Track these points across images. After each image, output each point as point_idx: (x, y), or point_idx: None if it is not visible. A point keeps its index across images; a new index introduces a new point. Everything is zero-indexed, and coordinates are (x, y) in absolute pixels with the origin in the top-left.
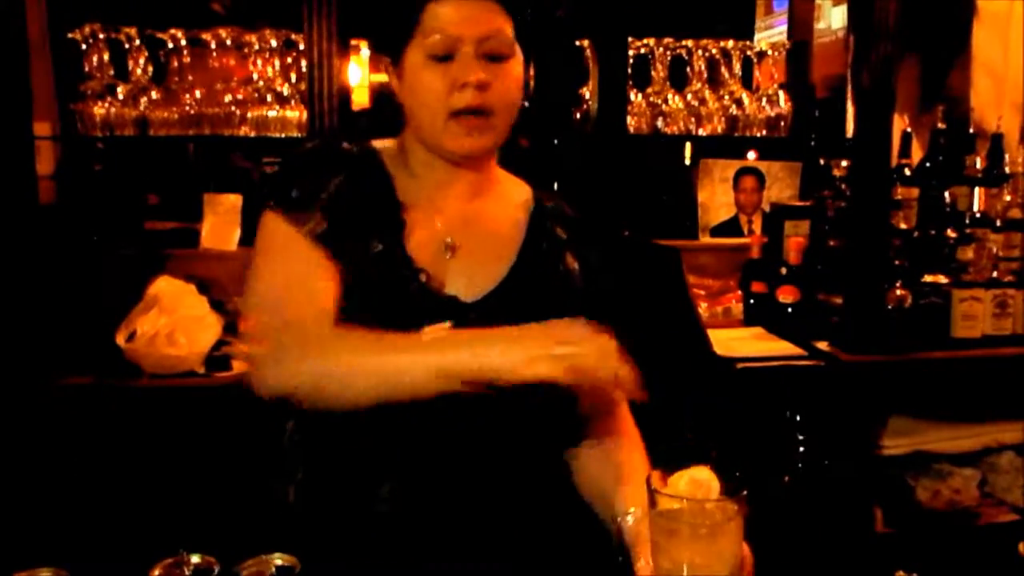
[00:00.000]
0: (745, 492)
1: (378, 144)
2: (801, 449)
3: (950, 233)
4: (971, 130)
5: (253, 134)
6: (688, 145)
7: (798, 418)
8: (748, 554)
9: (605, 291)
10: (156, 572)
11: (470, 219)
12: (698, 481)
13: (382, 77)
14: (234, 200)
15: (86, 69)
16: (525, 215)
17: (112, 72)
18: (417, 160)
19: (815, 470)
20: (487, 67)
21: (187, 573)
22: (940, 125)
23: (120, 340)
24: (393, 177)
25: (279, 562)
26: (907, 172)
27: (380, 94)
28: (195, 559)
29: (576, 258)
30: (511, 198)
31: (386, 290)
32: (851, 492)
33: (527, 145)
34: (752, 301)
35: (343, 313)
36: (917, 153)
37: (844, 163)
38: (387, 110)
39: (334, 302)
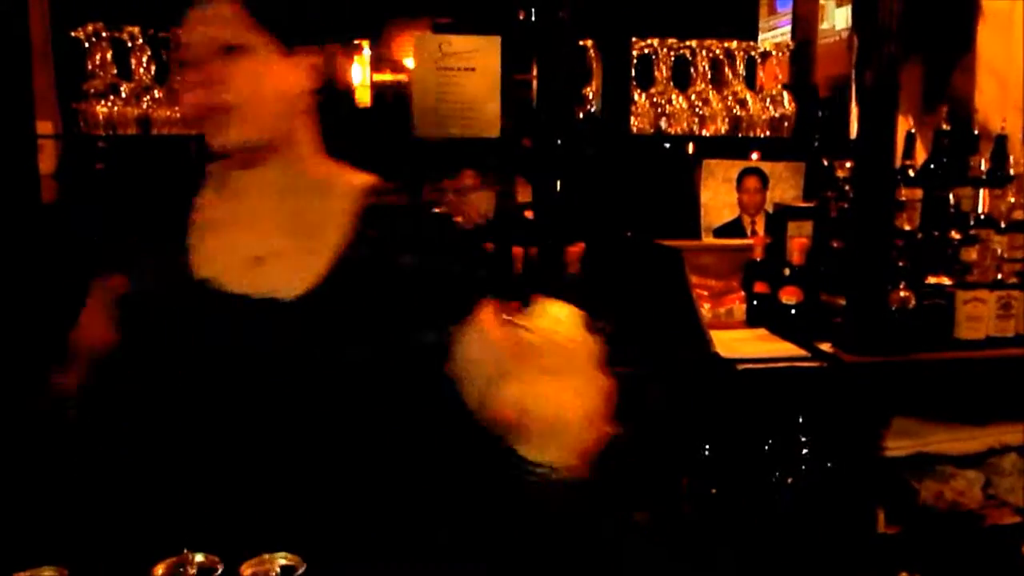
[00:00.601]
0: (603, 326)
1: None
2: (804, 451)
3: (954, 234)
4: (975, 131)
5: None
6: (690, 145)
7: (801, 419)
8: (607, 388)
9: (441, 282)
10: (159, 571)
11: (283, 219)
12: (552, 315)
13: (385, 76)
14: None
15: (89, 68)
16: (352, 207)
17: (115, 71)
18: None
19: (818, 471)
20: (220, 63)
21: (191, 572)
22: (944, 126)
23: None
24: (203, 194)
25: (283, 562)
26: (911, 173)
27: (382, 93)
28: (198, 558)
29: (410, 250)
30: (336, 191)
31: (178, 304)
32: (854, 493)
33: (529, 145)
34: (755, 302)
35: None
36: (921, 154)
37: (848, 164)
38: (390, 109)
39: None
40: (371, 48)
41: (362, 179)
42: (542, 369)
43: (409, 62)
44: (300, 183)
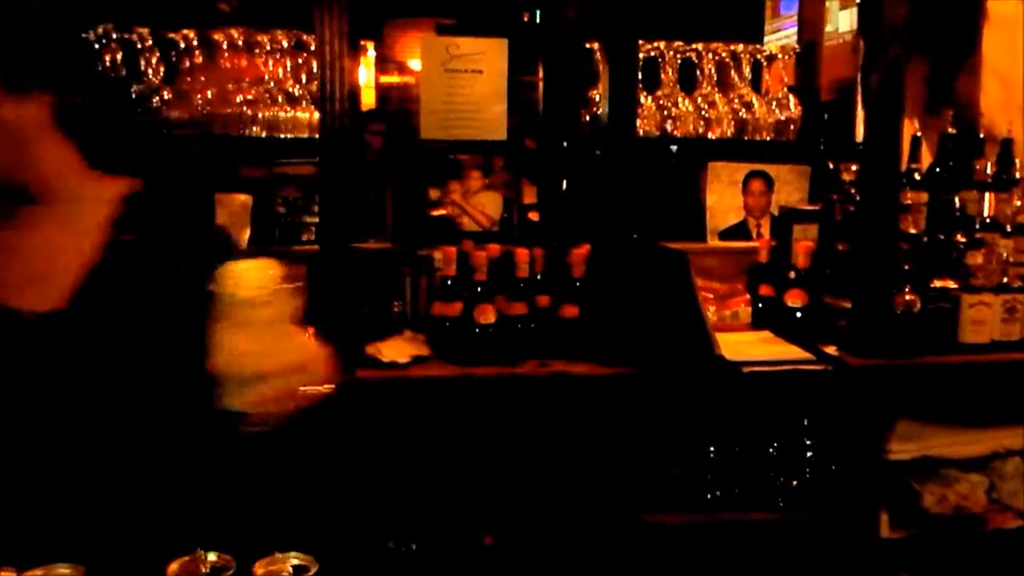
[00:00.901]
0: (300, 285)
1: None
2: (808, 453)
3: (959, 238)
4: (981, 135)
5: (264, 134)
6: (696, 148)
7: (805, 422)
8: (309, 343)
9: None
10: (173, 569)
11: (23, 239)
12: (236, 273)
13: (392, 78)
14: (244, 199)
15: (99, 69)
16: (104, 218)
17: (124, 72)
18: None
19: (822, 474)
20: None
21: (204, 571)
22: (950, 129)
23: None
24: None
25: (295, 561)
26: (916, 176)
27: (386, 95)
28: (211, 557)
29: (166, 257)
30: (87, 202)
31: None
32: (857, 497)
33: (534, 147)
34: (760, 305)
35: None
36: (926, 157)
37: (853, 167)
38: (394, 111)
39: None
40: (375, 49)
41: (115, 186)
42: (234, 324)
43: (413, 63)
44: (49, 197)
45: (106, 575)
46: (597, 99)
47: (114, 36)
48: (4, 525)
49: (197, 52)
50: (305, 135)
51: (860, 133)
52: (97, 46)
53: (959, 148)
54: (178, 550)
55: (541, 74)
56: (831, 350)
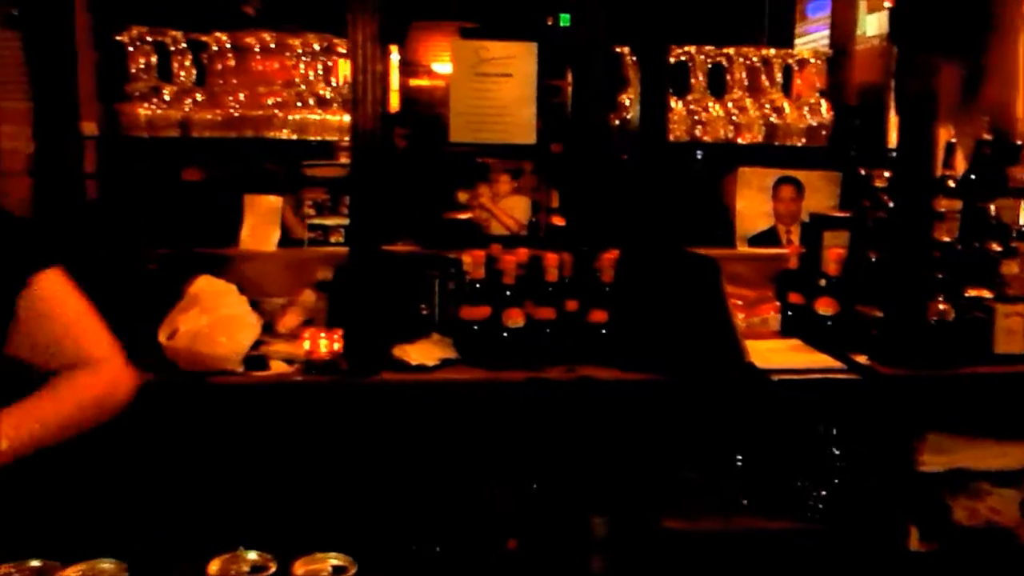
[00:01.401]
0: None
1: None
2: (836, 463)
3: (994, 246)
4: (1017, 141)
5: (294, 137)
6: (724, 153)
7: (833, 431)
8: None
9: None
10: (214, 567)
11: None
12: None
13: (421, 81)
14: (274, 201)
15: (131, 71)
16: None
17: (156, 74)
18: None
19: (850, 485)
20: None
21: (244, 570)
22: (985, 136)
23: (162, 338)
24: None
25: (335, 562)
26: (950, 183)
27: (410, 98)
28: (252, 556)
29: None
30: None
31: None
32: (886, 508)
33: (559, 151)
34: (789, 312)
35: None
36: (961, 164)
37: (885, 173)
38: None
39: None
40: (399, 53)
41: None
42: None
43: (437, 67)
44: None
45: (147, 571)
46: (627, 103)
47: (147, 38)
48: (51, 521)
49: (229, 54)
50: (334, 138)
51: (892, 139)
52: (130, 48)
53: (994, 155)
54: (219, 548)
55: (569, 78)
56: (862, 359)
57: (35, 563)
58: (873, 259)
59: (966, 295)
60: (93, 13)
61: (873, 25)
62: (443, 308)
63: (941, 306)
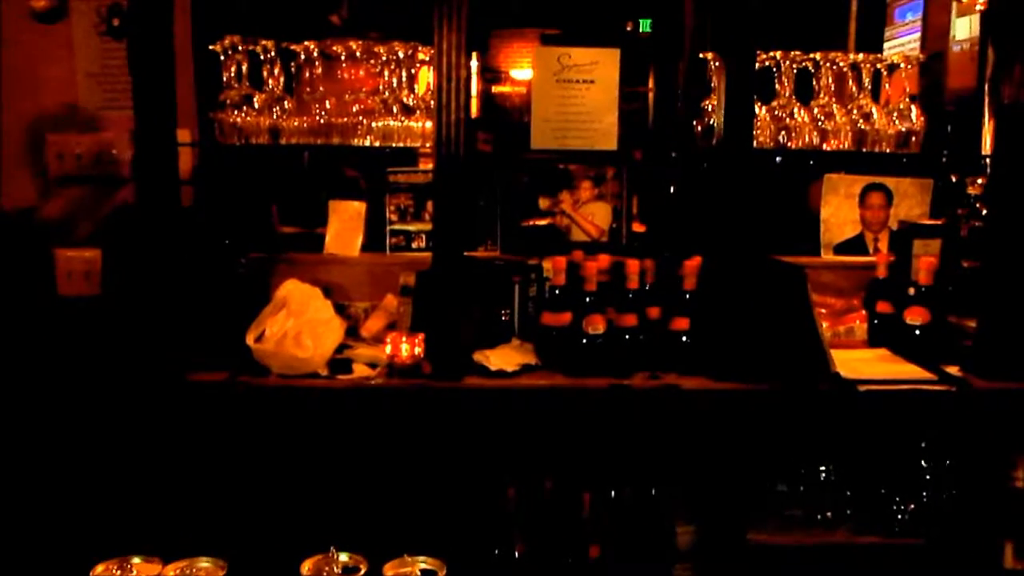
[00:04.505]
0: None
1: None
2: (927, 477)
3: None
4: None
5: (378, 144)
6: (811, 160)
7: (923, 444)
8: None
9: None
10: (306, 568)
11: None
12: None
13: (503, 88)
14: (358, 207)
15: (224, 80)
16: None
17: (248, 82)
18: None
19: (941, 499)
20: None
21: (336, 571)
22: None
23: (250, 340)
24: None
25: (424, 565)
26: None
27: (490, 104)
28: (343, 557)
29: None
30: None
31: None
32: (979, 524)
33: (640, 158)
34: (877, 321)
35: None
36: None
37: (980, 180)
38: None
39: None
40: (479, 60)
41: None
42: None
43: (517, 73)
44: None
45: (246, 570)
46: (709, 109)
47: (240, 48)
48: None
49: (317, 63)
50: (417, 144)
51: (987, 145)
52: (223, 57)
53: None
54: (306, 549)
55: (651, 84)
56: (954, 370)
57: (136, 560)
58: (967, 268)
59: None
60: (193, 23)
61: (963, 29)
62: (524, 314)
63: None
